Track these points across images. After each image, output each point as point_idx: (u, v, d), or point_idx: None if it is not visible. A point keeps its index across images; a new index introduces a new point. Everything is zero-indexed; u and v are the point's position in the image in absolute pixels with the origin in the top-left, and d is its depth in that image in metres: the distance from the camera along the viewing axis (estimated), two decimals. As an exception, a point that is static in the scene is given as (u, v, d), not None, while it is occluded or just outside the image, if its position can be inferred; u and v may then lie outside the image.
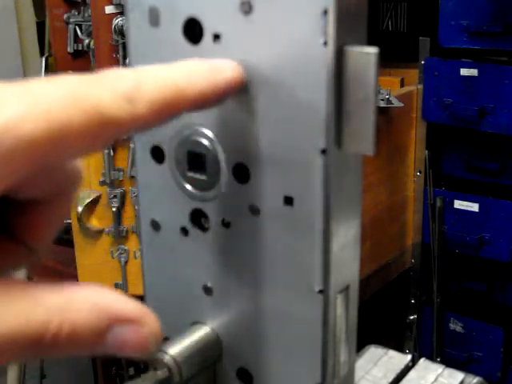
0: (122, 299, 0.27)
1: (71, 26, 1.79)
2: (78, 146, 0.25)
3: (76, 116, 0.24)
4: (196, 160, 0.37)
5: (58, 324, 0.25)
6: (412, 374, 0.58)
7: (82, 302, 0.26)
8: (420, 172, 1.74)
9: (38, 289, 0.25)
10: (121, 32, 1.56)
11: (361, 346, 0.56)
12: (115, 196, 1.46)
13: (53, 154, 0.24)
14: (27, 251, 0.30)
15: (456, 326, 1.78)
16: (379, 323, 1.77)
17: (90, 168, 1.47)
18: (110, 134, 0.25)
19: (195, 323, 0.39)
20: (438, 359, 1.78)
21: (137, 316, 0.27)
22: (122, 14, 1.55)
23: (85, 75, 0.26)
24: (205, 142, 0.36)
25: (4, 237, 0.29)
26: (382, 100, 1.57)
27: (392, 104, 1.59)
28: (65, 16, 1.80)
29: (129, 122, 0.25)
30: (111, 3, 1.56)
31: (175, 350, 0.37)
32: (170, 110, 0.27)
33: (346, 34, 0.31)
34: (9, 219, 0.29)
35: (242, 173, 0.35)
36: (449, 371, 0.57)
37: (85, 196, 1.45)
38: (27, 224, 0.29)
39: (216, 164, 0.36)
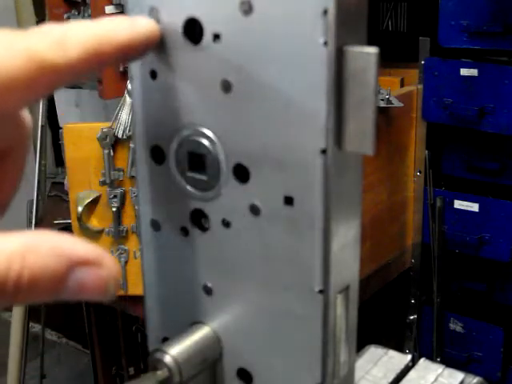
0: (79, 242, 0.27)
1: (71, 26, 1.79)
2: (21, 92, 0.27)
3: (15, 62, 0.26)
4: (196, 160, 0.37)
5: (20, 270, 0.25)
6: (412, 374, 0.58)
7: (42, 247, 0.26)
8: (420, 172, 1.74)
9: None
10: (121, 32, 1.56)
11: (361, 346, 0.55)
12: (115, 196, 1.46)
13: None
14: None
15: (456, 326, 1.78)
16: (379, 323, 1.77)
17: (90, 168, 1.47)
18: (48, 80, 0.28)
19: (195, 323, 0.39)
20: (438, 359, 1.78)
21: (95, 258, 0.27)
22: (122, 13, 1.55)
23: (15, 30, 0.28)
24: (205, 142, 0.36)
25: None
26: (382, 100, 1.56)
27: (392, 104, 1.58)
28: (65, 16, 1.80)
29: (63, 65, 0.28)
30: (111, 3, 1.56)
31: (175, 350, 0.37)
32: (98, 55, 0.30)
33: (346, 34, 0.31)
34: None
35: (242, 173, 0.35)
36: (449, 371, 0.57)
37: (85, 196, 1.45)
38: None
39: (216, 164, 0.36)
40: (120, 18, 0.32)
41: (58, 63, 0.28)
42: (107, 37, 0.30)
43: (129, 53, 0.32)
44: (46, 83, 0.28)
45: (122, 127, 1.48)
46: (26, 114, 0.32)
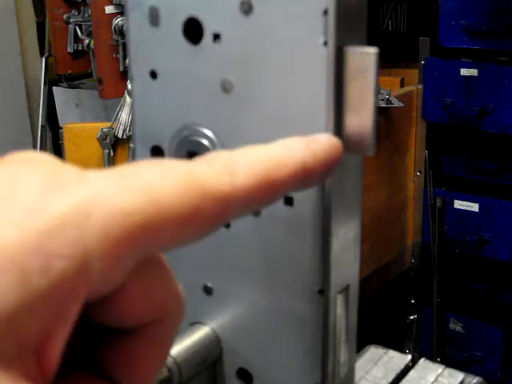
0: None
1: (71, 26, 1.79)
2: (176, 227, 0.22)
3: (171, 189, 0.22)
4: (196, 160, 0.37)
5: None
6: (412, 374, 0.58)
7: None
8: (420, 172, 1.74)
9: None
10: (121, 32, 1.56)
11: (361, 346, 0.55)
12: (115, 196, 1.46)
13: (151, 232, 0.21)
14: None
15: (456, 326, 1.78)
16: (379, 323, 1.77)
17: (89, 168, 1.47)
18: (210, 212, 0.23)
19: (195, 323, 0.39)
20: (438, 359, 1.78)
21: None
22: (121, 14, 1.55)
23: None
24: (205, 142, 0.36)
25: (89, 374, 0.23)
26: (382, 100, 1.57)
27: (392, 104, 1.59)
28: (65, 16, 1.80)
29: (229, 194, 0.24)
30: (111, 3, 1.56)
31: (175, 350, 0.37)
32: (270, 182, 0.25)
33: (346, 34, 0.31)
34: (95, 352, 0.24)
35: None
36: (449, 371, 0.57)
37: (85, 196, 1.45)
38: (117, 358, 0.24)
39: (216, 164, 0.36)
40: (294, 139, 0.29)
41: (223, 191, 0.23)
42: (279, 161, 0.26)
43: (305, 178, 0.28)
44: (207, 216, 0.23)
45: (121, 127, 1.48)
46: (179, 289, 0.25)
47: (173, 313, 0.24)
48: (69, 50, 1.81)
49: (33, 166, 0.21)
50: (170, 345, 0.25)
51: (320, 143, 0.29)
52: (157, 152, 0.38)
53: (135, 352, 0.24)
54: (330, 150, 0.29)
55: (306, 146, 0.28)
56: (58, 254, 0.19)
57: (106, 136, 1.47)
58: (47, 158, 0.22)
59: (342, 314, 0.36)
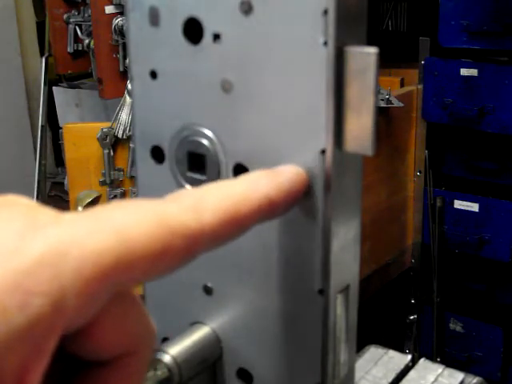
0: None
1: (71, 26, 1.79)
2: (145, 263, 0.23)
3: (141, 227, 0.23)
4: (196, 160, 0.37)
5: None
6: (412, 374, 0.57)
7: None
8: (420, 172, 1.74)
9: None
10: (121, 32, 1.56)
11: (361, 346, 0.55)
12: (115, 196, 1.46)
13: (122, 270, 0.22)
14: None
15: (456, 326, 1.78)
16: (379, 323, 1.77)
17: (90, 168, 1.47)
18: (179, 248, 0.24)
19: (195, 323, 0.39)
20: (438, 359, 1.78)
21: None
22: (121, 14, 1.55)
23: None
24: (205, 142, 0.36)
25: None
26: (382, 100, 1.57)
27: (392, 104, 1.59)
28: (65, 16, 1.80)
29: (197, 232, 0.25)
30: (111, 3, 1.56)
31: (175, 350, 0.37)
32: (236, 217, 0.27)
33: (346, 34, 0.31)
34: (71, 383, 0.25)
35: (242, 173, 0.35)
36: (449, 371, 0.57)
37: (85, 196, 1.45)
38: None
39: (216, 164, 0.36)
40: (259, 173, 0.30)
41: (190, 229, 0.25)
42: (245, 196, 0.28)
43: (271, 211, 0.29)
44: (176, 253, 0.24)
45: (121, 127, 1.48)
46: (151, 322, 0.26)
47: (144, 345, 0.25)
48: (69, 50, 1.81)
49: (13, 209, 0.22)
50: (142, 377, 0.25)
51: (284, 175, 0.31)
52: (157, 152, 0.38)
53: (104, 381, 0.24)
54: (295, 180, 0.31)
55: (271, 179, 0.30)
56: (36, 292, 0.20)
57: (106, 136, 1.47)
58: (26, 202, 0.23)
59: (342, 314, 0.36)
